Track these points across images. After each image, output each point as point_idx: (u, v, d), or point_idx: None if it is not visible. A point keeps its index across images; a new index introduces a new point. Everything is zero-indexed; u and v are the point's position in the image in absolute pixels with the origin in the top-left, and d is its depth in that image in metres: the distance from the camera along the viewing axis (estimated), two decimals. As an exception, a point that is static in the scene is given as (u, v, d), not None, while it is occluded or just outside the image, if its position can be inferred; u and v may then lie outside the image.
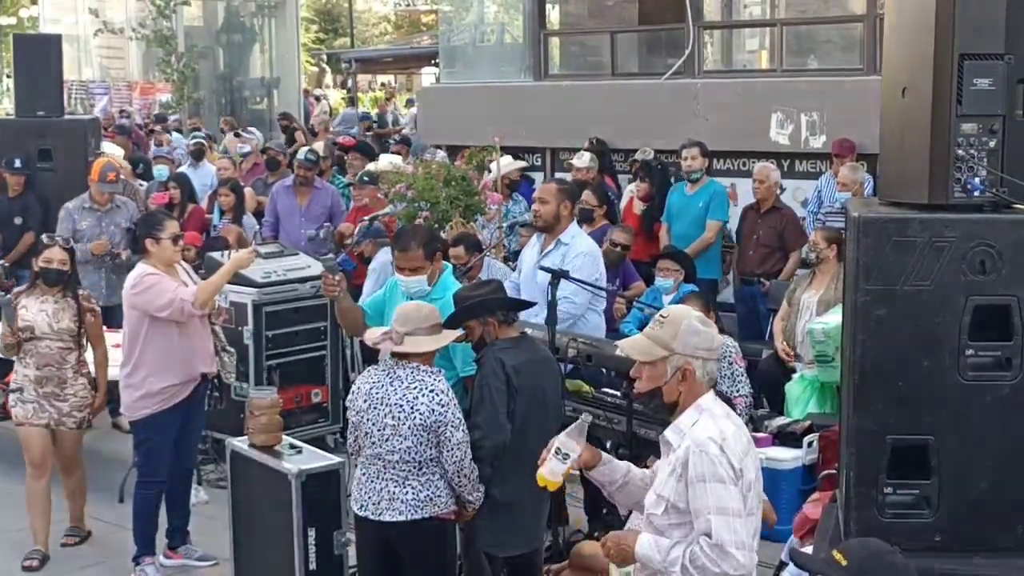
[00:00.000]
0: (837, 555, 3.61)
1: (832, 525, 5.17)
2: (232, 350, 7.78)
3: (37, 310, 7.50)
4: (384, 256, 8.58)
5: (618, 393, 6.82)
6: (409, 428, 5.60)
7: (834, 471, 6.57)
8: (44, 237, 7.86)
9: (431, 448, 5.64)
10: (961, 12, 4.50)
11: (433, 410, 5.60)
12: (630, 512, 5.12)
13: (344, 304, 6.79)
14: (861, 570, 3.54)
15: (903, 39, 4.83)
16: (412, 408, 5.61)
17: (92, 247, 10.23)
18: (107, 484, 8.60)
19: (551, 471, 4.45)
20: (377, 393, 5.71)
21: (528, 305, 6.53)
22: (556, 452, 4.43)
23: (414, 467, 5.67)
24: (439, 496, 5.73)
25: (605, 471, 4.48)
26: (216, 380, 7.65)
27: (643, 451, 6.36)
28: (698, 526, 4.06)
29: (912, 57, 4.70)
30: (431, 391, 5.64)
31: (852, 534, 4.60)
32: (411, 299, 6.34)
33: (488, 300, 6.17)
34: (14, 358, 7.67)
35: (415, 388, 5.65)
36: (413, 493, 5.68)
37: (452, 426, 5.62)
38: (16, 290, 7.82)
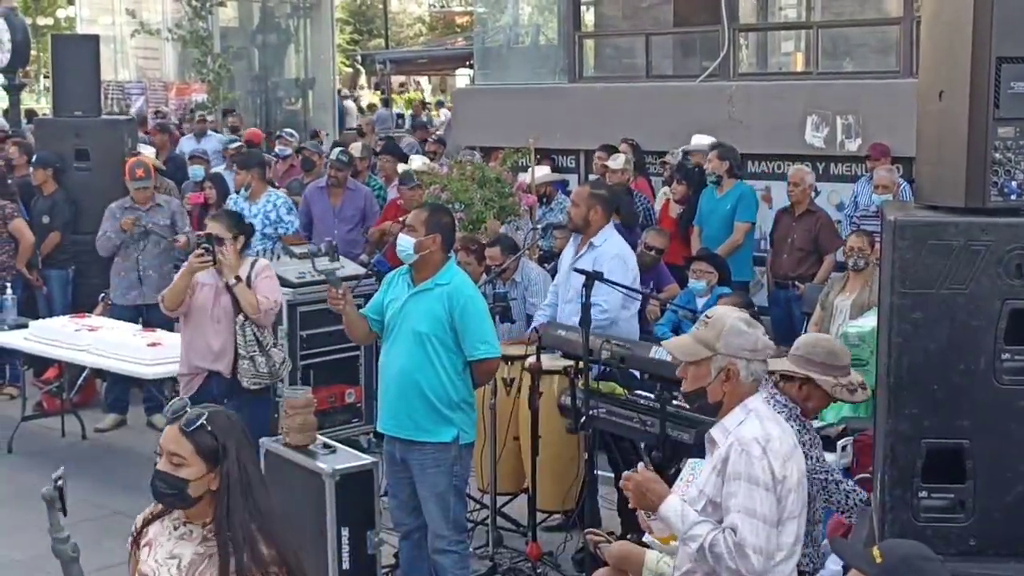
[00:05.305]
0: (875, 551, 3.60)
1: (866, 529, 5.16)
2: (273, 354, 7.63)
3: None
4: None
5: (651, 395, 6.81)
6: None
7: (868, 475, 6.56)
8: None
9: None
10: (998, 15, 4.48)
11: None
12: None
13: (350, 316, 6.75)
14: (891, 571, 3.52)
15: (940, 42, 4.81)
16: None
17: (123, 223, 10.15)
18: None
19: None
20: None
21: None
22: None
23: None
24: None
25: None
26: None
27: (676, 453, 6.35)
28: (725, 519, 4.06)
29: (949, 60, 4.69)
30: None
31: (886, 538, 4.58)
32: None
33: None
34: None
35: None
36: None
37: None
38: None
